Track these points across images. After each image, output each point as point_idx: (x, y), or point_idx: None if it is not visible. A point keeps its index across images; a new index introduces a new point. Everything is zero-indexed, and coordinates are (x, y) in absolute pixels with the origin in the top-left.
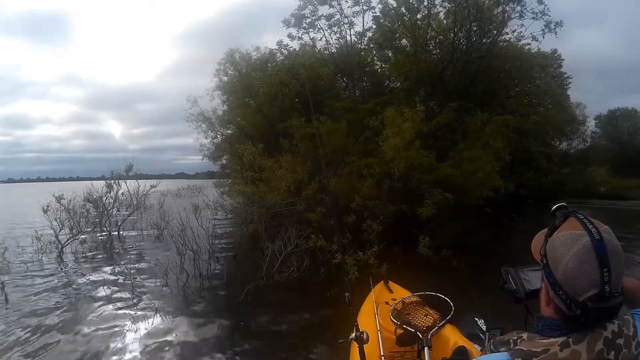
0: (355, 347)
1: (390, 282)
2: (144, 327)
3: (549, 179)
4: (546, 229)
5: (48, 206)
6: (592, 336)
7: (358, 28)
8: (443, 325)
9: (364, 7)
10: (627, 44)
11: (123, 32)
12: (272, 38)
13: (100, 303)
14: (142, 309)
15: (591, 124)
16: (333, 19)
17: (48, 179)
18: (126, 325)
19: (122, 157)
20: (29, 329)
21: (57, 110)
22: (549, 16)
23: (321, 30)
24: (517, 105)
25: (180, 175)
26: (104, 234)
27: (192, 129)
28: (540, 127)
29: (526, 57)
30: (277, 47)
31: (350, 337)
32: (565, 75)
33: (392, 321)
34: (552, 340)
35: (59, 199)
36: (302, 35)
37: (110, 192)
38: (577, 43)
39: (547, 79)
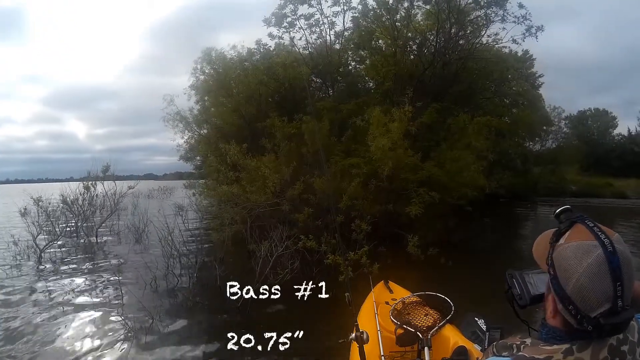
0: (355, 347)
1: (390, 282)
2: (139, 335)
3: (526, 178)
4: (549, 232)
5: (26, 209)
6: (597, 344)
7: (338, 28)
8: (443, 325)
9: (344, 8)
10: (598, 42)
11: (78, 30)
12: (232, 37)
13: (89, 312)
14: (135, 315)
15: (561, 124)
16: (312, 19)
17: (16, 181)
18: (119, 336)
19: (89, 158)
20: (7, 341)
21: (20, 110)
22: (530, 21)
23: (301, 30)
24: (493, 106)
25: (149, 176)
26: (81, 237)
27: (166, 128)
28: (514, 128)
29: (502, 59)
30: (255, 47)
31: (350, 337)
32: (537, 75)
33: (392, 321)
34: (555, 347)
35: (37, 201)
36: (282, 34)
37: (87, 194)
38: (547, 42)
39: (521, 80)
